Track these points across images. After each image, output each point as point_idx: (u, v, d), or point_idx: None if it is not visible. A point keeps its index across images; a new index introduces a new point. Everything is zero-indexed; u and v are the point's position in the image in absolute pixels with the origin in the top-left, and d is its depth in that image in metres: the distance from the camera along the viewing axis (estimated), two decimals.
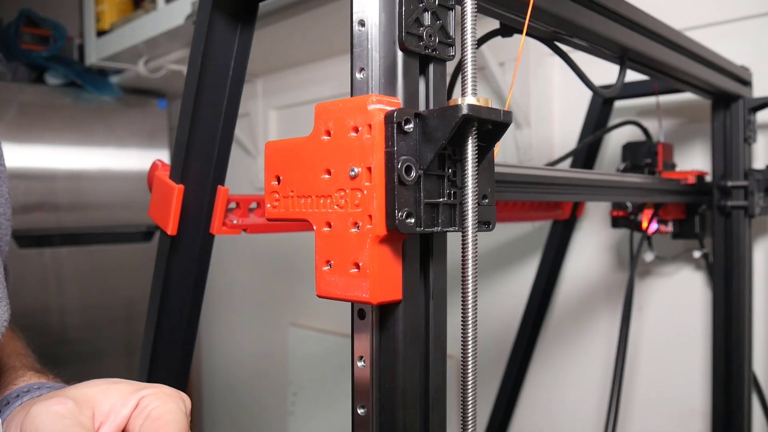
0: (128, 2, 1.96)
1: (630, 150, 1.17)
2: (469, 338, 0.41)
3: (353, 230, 0.40)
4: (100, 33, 1.97)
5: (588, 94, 1.29)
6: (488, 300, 1.51)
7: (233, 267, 2.26)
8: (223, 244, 2.14)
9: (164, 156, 2.24)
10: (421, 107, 0.45)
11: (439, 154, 0.41)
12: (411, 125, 0.40)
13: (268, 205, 0.46)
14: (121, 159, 2.19)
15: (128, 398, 0.42)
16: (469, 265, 0.41)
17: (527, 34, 0.59)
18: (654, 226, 1.15)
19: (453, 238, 0.47)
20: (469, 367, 0.41)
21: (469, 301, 0.41)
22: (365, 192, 0.39)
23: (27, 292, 2.00)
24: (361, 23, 0.42)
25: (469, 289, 0.41)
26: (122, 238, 2.19)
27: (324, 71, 1.86)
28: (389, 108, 0.40)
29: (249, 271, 2.23)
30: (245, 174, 2.10)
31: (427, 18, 0.43)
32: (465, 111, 0.39)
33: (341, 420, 1.82)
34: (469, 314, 0.41)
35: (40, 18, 2.10)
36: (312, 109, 0.42)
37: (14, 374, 0.53)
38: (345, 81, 1.75)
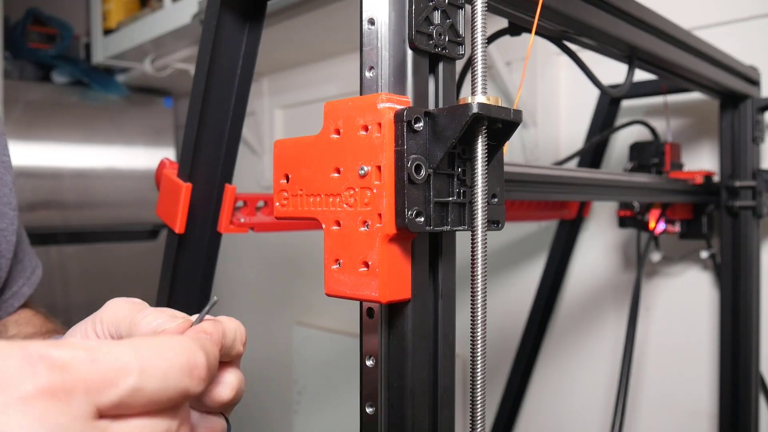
0: (135, 1, 1.97)
1: (637, 150, 1.16)
2: (478, 337, 0.41)
3: (362, 229, 0.40)
4: (107, 32, 1.98)
5: (595, 93, 1.29)
6: (494, 299, 1.51)
7: (237, 266, 2.26)
8: (227, 243, 2.14)
9: (170, 154, 2.25)
10: (431, 106, 0.44)
11: (449, 152, 0.41)
12: (421, 124, 0.40)
13: (277, 204, 0.46)
14: (127, 157, 2.19)
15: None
16: (479, 264, 0.41)
17: (536, 34, 0.59)
18: (661, 226, 1.14)
19: (461, 237, 0.46)
20: (478, 366, 0.41)
21: (479, 301, 0.41)
22: (375, 190, 0.39)
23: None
24: (371, 22, 0.42)
25: (479, 289, 0.41)
26: (128, 237, 2.19)
27: (330, 70, 1.86)
28: (399, 107, 0.39)
29: (253, 269, 2.23)
30: (251, 173, 2.10)
31: (436, 16, 0.43)
32: (475, 110, 0.39)
33: (346, 419, 1.82)
34: (479, 313, 0.41)
35: (47, 17, 2.11)
36: (318, 108, 0.42)
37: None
38: (351, 80, 1.75)
